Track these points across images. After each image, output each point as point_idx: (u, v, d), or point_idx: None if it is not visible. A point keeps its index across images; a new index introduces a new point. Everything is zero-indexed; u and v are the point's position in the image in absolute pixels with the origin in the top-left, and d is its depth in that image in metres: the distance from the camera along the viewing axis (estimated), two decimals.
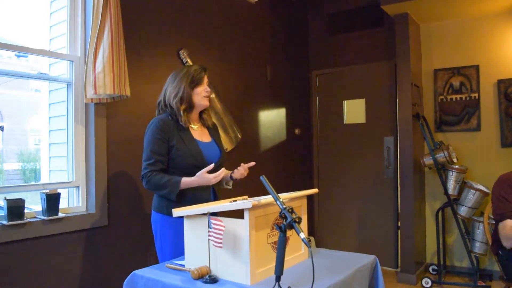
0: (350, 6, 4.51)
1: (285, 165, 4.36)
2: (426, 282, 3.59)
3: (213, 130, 2.25)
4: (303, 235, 1.31)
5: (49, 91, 2.65)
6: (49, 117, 2.66)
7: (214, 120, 2.39)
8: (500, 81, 3.79)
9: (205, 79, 2.12)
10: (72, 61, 2.55)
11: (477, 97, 3.90)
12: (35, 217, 2.30)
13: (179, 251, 1.96)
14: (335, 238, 4.65)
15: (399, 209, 3.95)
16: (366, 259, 1.75)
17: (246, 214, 1.45)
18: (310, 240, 1.59)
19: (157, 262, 2.05)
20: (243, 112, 3.79)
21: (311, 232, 4.74)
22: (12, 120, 2.71)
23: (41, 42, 2.64)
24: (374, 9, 4.17)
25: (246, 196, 1.98)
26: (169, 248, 2.03)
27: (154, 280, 1.55)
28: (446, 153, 3.64)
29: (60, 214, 2.34)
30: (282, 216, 1.37)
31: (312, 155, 4.81)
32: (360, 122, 4.49)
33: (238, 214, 1.47)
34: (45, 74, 2.64)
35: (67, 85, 2.56)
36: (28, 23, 2.65)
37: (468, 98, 3.95)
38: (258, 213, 1.50)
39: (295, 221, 1.33)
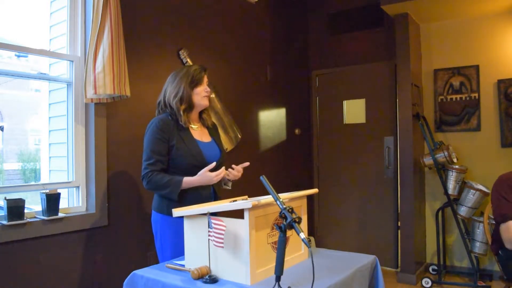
0: (350, 6, 4.50)
1: (285, 165, 4.36)
2: (426, 282, 3.59)
3: (213, 130, 2.25)
4: (303, 235, 1.31)
5: (49, 91, 2.65)
6: (49, 117, 2.66)
7: (214, 120, 2.40)
8: (500, 81, 3.79)
9: (205, 79, 2.12)
10: (72, 61, 2.55)
11: (477, 97, 3.90)
12: (35, 217, 2.30)
13: (179, 251, 1.96)
14: (335, 238, 4.65)
15: (399, 209, 3.95)
16: (366, 259, 1.75)
17: (246, 214, 1.45)
18: (310, 240, 1.59)
19: (157, 262, 2.05)
20: (243, 112, 3.79)
21: (311, 232, 4.74)
22: (12, 120, 2.71)
23: (41, 42, 2.64)
24: (374, 9, 4.17)
25: (246, 196, 1.98)
26: (169, 248, 2.03)
27: (154, 280, 1.55)
28: (446, 153, 3.64)
29: (60, 214, 2.34)
30: (282, 216, 1.37)
31: (312, 155, 4.81)
32: (360, 122, 4.49)
33: (238, 214, 1.47)
34: (45, 74, 2.64)
35: (67, 85, 2.56)
36: (28, 23, 2.65)
37: (468, 98, 3.95)
38: (258, 213, 1.50)
39: (295, 221, 1.33)
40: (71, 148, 2.55)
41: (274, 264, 1.35)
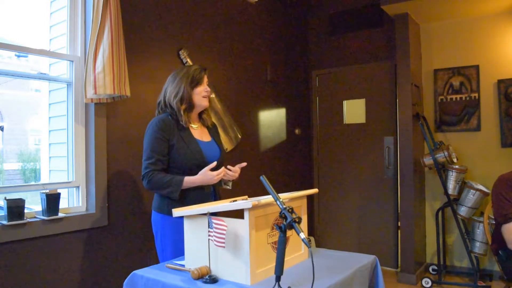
0: (350, 6, 4.51)
1: (285, 165, 4.36)
2: (426, 282, 3.59)
3: (212, 130, 2.26)
4: (303, 235, 1.31)
5: (49, 91, 2.65)
6: (49, 117, 2.66)
7: (214, 120, 2.40)
8: (500, 81, 3.79)
9: (205, 79, 2.13)
10: (72, 61, 2.55)
11: (477, 97, 3.90)
12: (35, 217, 2.30)
13: (179, 251, 1.97)
14: (335, 238, 4.65)
15: (399, 209, 3.95)
16: (366, 259, 1.75)
17: (246, 214, 1.45)
18: (310, 240, 1.59)
19: (157, 262, 2.05)
20: (243, 112, 3.79)
21: (311, 232, 4.74)
22: (12, 120, 2.71)
23: (41, 42, 2.64)
24: (374, 9, 4.18)
25: (246, 196, 1.98)
26: (169, 248, 2.03)
27: (154, 280, 1.55)
28: (446, 153, 3.64)
29: (60, 214, 2.34)
30: (282, 216, 1.37)
31: (312, 155, 4.81)
32: (360, 122, 4.49)
33: (238, 214, 1.47)
34: (45, 74, 2.64)
35: (67, 85, 2.56)
36: (28, 23, 2.65)
37: (468, 98, 3.95)
38: (258, 213, 1.50)
39: (295, 221, 1.33)
40: (71, 148, 2.55)
41: (274, 264, 1.35)
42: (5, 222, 2.11)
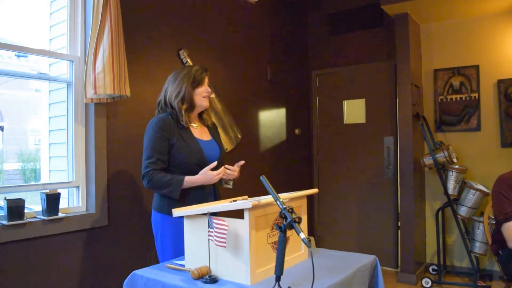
0: (350, 6, 4.51)
1: (285, 165, 4.36)
2: (426, 282, 3.59)
3: (212, 129, 2.26)
4: (303, 235, 1.31)
5: (49, 91, 2.65)
6: (49, 117, 2.66)
7: (214, 120, 2.40)
8: (500, 81, 3.79)
9: (206, 80, 2.14)
10: (72, 61, 2.55)
11: (477, 97, 3.90)
12: (35, 217, 2.30)
13: (179, 251, 1.97)
14: (335, 238, 4.65)
15: (399, 209, 3.95)
16: (366, 259, 1.75)
17: (246, 214, 1.45)
18: (310, 240, 1.59)
19: (157, 262, 2.05)
20: (243, 112, 3.79)
21: (311, 232, 4.74)
22: (12, 120, 2.71)
23: (41, 42, 2.64)
24: (374, 9, 4.17)
25: (246, 196, 1.98)
26: (169, 248, 2.03)
27: (154, 280, 1.55)
28: (446, 153, 3.64)
29: (60, 214, 2.34)
30: (282, 216, 1.37)
31: (312, 155, 4.81)
32: (360, 122, 4.49)
33: (238, 214, 1.47)
34: (45, 74, 2.64)
35: (67, 85, 2.56)
36: (28, 23, 2.64)
37: (468, 98, 3.95)
38: (258, 213, 1.50)
39: (295, 221, 1.33)
40: (71, 148, 2.55)
41: (274, 264, 1.35)
42: (5, 222, 2.11)
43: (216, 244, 1.47)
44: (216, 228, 1.47)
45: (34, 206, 2.40)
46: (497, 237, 2.43)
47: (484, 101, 3.87)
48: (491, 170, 3.71)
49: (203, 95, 2.11)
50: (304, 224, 1.78)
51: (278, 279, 1.32)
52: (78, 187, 2.55)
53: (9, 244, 2.13)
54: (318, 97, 4.79)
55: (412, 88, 3.82)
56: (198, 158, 2.04)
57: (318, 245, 4.69)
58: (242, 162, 2.12)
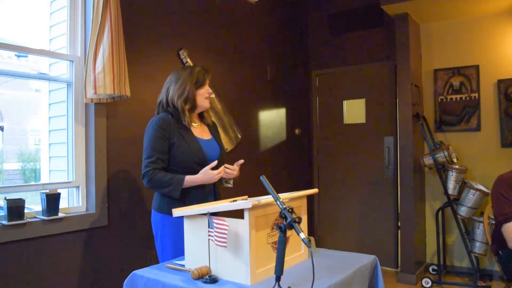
0: (350, 6, 4.50)
1: (285, 165, 4.36)
2: (426, 282, 3.59)
3: (212, 128, 2.26)
4: (303, 235, 1.31)
5: (49, 91, 2.65)
6: (49, 117, 2.66)
7: (214, 120, 2.41)
8: (500, 81, 3.79)
9: (207, 81, 2.15)
10: (72, 61, 2.55)
11: (477, 97, 3.90)
12: (35, 217, 2.30)
13: (179, 251, 1.97)
14: (335, 238, 4.65)
15: (399, 209, 3.95)
16: (366, 259, 1.75)
17: (246, 214, 1.45)
18: (310, 240, 1.59)
19: (157, 262, 2.05)
20: (243, 112, 3.79)
21: (311, 232, 4.74)
22: (12, 120, 2.71)
23: (41, 42, 2.64)
24: (374, 9, 4.17)
25: (246, 196, 1.98)
26: (169, 248, 2.03)
27: (154, 280, 1.55)
28: (446, 153, 3.64)
29: (60, 214, 2.34)
30: (282, 216, 1.37)
31: (312, 155, 4.81)
32: (360, 122, 4.49)
33: (238, 214, 1.47)
34: (45, 74, 2.64)
35: (67, 85, 2.56)
36: (28, 23, 2.64)
37: (468, 98, 3.95)
38: (258, 213, 1.50)
39: (295, 221, 1.33)
40: (71, 148, 2.55)
41: (274, 264, 1.35)
42: (5, 222, 2.11)
43: (216, 244, 1.47)
44: (217, 228, 1.47)
45: (34, 206, 2.40)
46: (497, 237, 2.43)
47: (484, 101, 3.87)
48: (491, 170, 3.71)
49: (204, 96, 2.12)
50: (304, 224, 1.78)
51: (278, 279, 1.32)
52: (78, 187, 2.55)
53: (9, 244, 2.13)
54: (318, 97, 4.79)
55: (412, 88, 3.82)
56: (199, 157, 2.05)
57: (318, 245, 4.69)
58: (242, 161, 2.12)
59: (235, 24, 3.71)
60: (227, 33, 3.62)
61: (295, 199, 1.74)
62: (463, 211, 3.62)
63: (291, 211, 1.36)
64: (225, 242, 1.46)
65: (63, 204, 2.48)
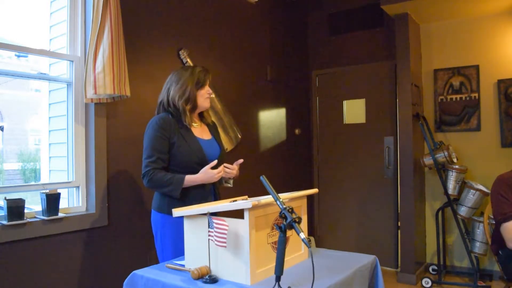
0: (350, 6, 4.51)
1: (285, 165, 4.36)
2: (426, 282, 3.59)
3: (212, 128, 2.27)
4: (303, 235, 1.31)
5: (49, 91, 2.65)
6: (49, 117, 2.66)
7: (214, 120, 2.41)
8: (500, 81, 3.79)
9: (208, 81, 2.15)
10: (72, 61, 2.55)
11: (477, 97, 3.90)
12: (35, 217, 2.30)
13: (179, 251, 1.97)
14: (335, 238, 4.65)
15: (399, 209, 3.95)
16: (366, 259, 1.75)
17: (246, 214, 1.45)
18: (310, 240, 1.59)
19: (157, 262, 2.05)
20: (243, 112, 3.79)
21: (311, 232, 4.74)
22: (12, 120, 2.71)
23: (41, 42, 2.64)
24: (374, 9, 4.17)
25: (246, 196, 1.98)
26: (169, 248, 2.03)
27: (154, 280, 1.55)
28: (446, 153, 3.64)
29: (60, 214, 2.34)
30: (282, 216, 1.37)
31: (312, 155, 4.81)
32: (360, 122, 4.49)
33: (238, 214, 1.47)
34: (45, 74, 2.64)
35: (67, 85, 2.56)
36: (28, 23, 2.64)
37: (468, 98, 3.95)
38: (258, 213, 1.50)
39: (295, 221, 1.33)
40: (71, 148, 2.55)
41: (274, 264, 1.35)
42: (5, 222, 2.11)
43: (216, 244, 1.47)
44: (216, 228, 1.48)
45: (34, 206, 2.40)
46: (497, 237, 2.43)
47: (484, 101, 3.87)
48: (491, 170, 3.71)
49: (205, 96, 2.13)
50: (304, 224, 1.78)
51: (278, 279, 1.32)
52: (78, 187, 2.55)
53: (9, 244, 2.13)
54: (318, 97, 4.79)
55: (412, 88, 3.82)
56: (199, 157, 2.05)
57: (318, 245, 4.69)
58: (241, 160, 2.13)
59: (235, 24, 3.71)
60: (227, 33, 3.62)
61: (295, 199, 1.74)
62: (463, 211, 3.63)
63: (291, 211, 1.36)
64: (225, 242, 1.46)
65: (63, 204, 2.48)
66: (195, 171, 2.01)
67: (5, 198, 2.13)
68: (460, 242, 3.84)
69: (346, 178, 4.56)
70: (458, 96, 4.00)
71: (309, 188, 4.47)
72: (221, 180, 2.21)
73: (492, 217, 2.84)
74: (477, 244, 3.60)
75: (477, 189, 3.56)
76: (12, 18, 2.51)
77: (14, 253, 2.16)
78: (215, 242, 1.47)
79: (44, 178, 2.67)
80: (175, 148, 2.02)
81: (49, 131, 2.66)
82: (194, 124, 2.15)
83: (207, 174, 1.97)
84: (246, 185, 2.82)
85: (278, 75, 4.26)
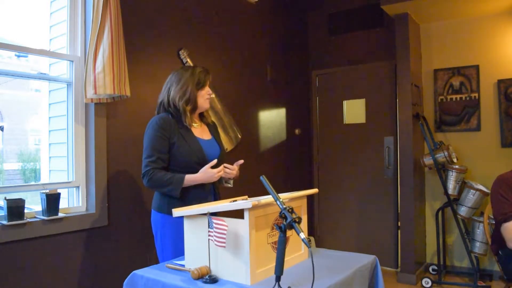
0: (350, 6, 4.51)
1: (285, 165, 4.36)
2: (426, 282, 3.59)
3: (212, 128, 2.27)
4: (303, 235, 1.31)
5: (49, 91, 2.65)
6: (49, 117, 2.66)
7: (214, 120, 2.41)
8: (500, 81, 3.79)
9: (208, 82, 2.15)
10: (72, 61, 2.55)
11: (477, 97, 3.90)
12: (35, 217, 2.30)
13: (179, 251, 1.97)
14: (335, 238, 4.65)
15: (399, 209, 3.95)
16: (366, 259, 1.75)
17: (246, 214, 1.45)
18: (310, 240, 1.59)
19: (157, 262, 2.05)
20: (243, 112, 3.79)
21: (311, 232, 4.74)
22: (12, 120, 2.71)
23: (41, 42, 2.64)
24: (374, 9, 4.17)
25: (246, 196, 1.98)
26: (169, 248, 2.03)
27: (154, 280, 1.55)
28: (446, 153, 3.64)
29: (60, 214, 2.34)
30: (282, 216, 1.37)
31: (312, 155, 4.81)
32: (360, 122, 4.49)
33: (238, 214, 1.47)
34: (45, 74, 2.64)
35: (67, 85, 2.56)
36: (28, 23, 2.64)
37: (468, 98, 3.95)
38: (258, 213, 1.50)
39: (295, 221, 1.33)
40: (71, 148, 2.55)
41: (274, 264, 1.35)
42: (5, 222, 2.11)
43: (215, 245, 1.47)
44: (216, 228, 1.48)
45: (34, 206, 2.40)
46: (497, 237, 2.43)
47: (484, 101, 3.87)
48: (491, 170, 3.71)
49: (205, 97, 2.13)
50: (304, 224, 1.78)
51: (278, 279, 1.32)
52: (78, 187, 2.55)
53: (9, 244, 2.13)
54: (318, 97, 4.79)
55: (412, 88, 3.82)
56: (199, 157, 2.05)
57: (318, 245, 4.69)
58: (241, 161, 2.13)
59: (235, 24, 3.71)
60: (227, 33, 3.62)
61: (295, 199, 1.74)
62: (463, 211, 3.63)
63: (291, 211, 1.36)
64: (224, 243, 1.46)
65: (63, 204, 2.48)
66: (195, 171, 2.01)
67: (5, 198, 2.13)
68: (460, 242, 3.84)
69: (346, 178, 4.56)
70: (458, 96, 4.00)
71: (309, 188, 4.47)
72: (221, 180, 2.21)
73: (492, 217, 2.84)
74: (477, 244, 3.60)
75: (477, 189, 3.56)
76: (12, 18, 2.51)
77: (14, 253, 2.16)
78: (215, 242, 1.47)
79: (44, 178, 2.67)
80: (175, 148, 2.02)
81: (49, 131, 2.66)
82: (194, 124, 2.15)
83: (207, 173, 1.98)
84: (246, 185, 2.82)
85: (278, 75, 4.26)
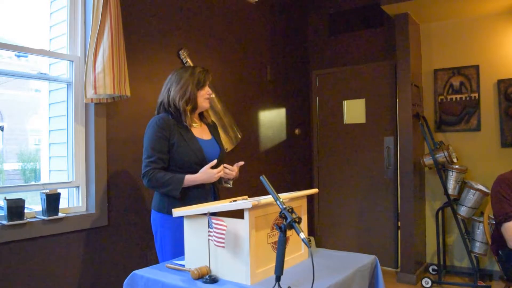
0: (350, 6, 4.51)
1: (285, 165, 4.36)
2: (426, 282, 3.59)
3: (212, 128, 2.27)
4: (303, 235, 1.31)
5: (49, 91, 2.65)
6: (49, 117, 2.66)
7: (214, 120, 2.41)
8: (500, 81, 3.79)
9: (208, 82, 2.15)
10: (72, 61, 2.55)
11: (477, 97, 3.90)
12: (35, 217, 2.30)
13: (179, 251, 1.97)
14: (335, 238, 4.65)
15: (399, 209, 3.95)
16: (366, 259, 1.75)
17: (246, 214, 1.45)
18: (310, 240, 1.59)
19: (157, 262, 2.06)
20: (243, 112, 3.79)
21: (311, 232, 4.74)
22: (12, 120, 2.71)
23: (41, 42, 2.64)
24: (374, 9, 4.18)
25: (246, 196, 1.98)
26: (169, 248, 2.03)
27: (154, 280, 1.55)
28: (446, 153, 3.64)
29: (60, 214, 2.34)
30: (282, 216, 1.37)
31: (312, 155, 4.81)
32: (360, 122, 4.49)
33: (238, 214, 1.47)
34: (45, 74, 2.64)
35: (67, 85, 2.56)
36: (28, 23, 2.64)
37: (468, 98, 3.95)
38: (258, 213, 1.50)
39: (295, 221, 1.33)
40: (71, 148, 2.55)
41: (274, 264, 1.35)
42: (5, 222, 2.11)
43: (215, 245, 1.47)
44: (215, 228, 1.48)
45: (34, 206, 2.40)
46: (497, 237, 2.43)
47: (484, 101, 3.87)
48: (491, 170, 3.71)
49: (205, 97, 2.13)
50: (304, 224, 1.78)
51: (278, 279, 1.32)
52: (78, 187, 2.55)
53: (9, 244, 2.13)
54: (318, 97, 4.79)
55: (412, 88, 3.82)
56: (199, 157, 2.05)
57: (318, 245, 4.69)
58: (242, 163, 2.12)
59: (235, 24, 3.71)
60: (227, 33, 3.62)
61: (295, 199, 1.74)
62: (463, 211, 3.63)
63: (291, 211, 1.36)
64: (223, 243, 1.46)
65: (63, 204, 2.48)
66: (195, 171, 2.01)
67: (5, 198, 2.13)
68: (460, 242, 3.84)
69: (346, 178, 4.56)
70: (458, 96, 4.00)
71: (309, 188, 4.48)
72: (221, 180, 2.21)
73: (492, 217, 2.84)
74: (477, 244, 3.60)
75: (477, 189, 3.56)
76: (12, 18, 2.51)
77: (14, 253, 2.16)
78: (214, 242, 1.47)
79: (44, 178, 2.67)
80: (175, 148, 2.02)
81: (49, 131, 2.66)
82: (194, 124, 2.15)
83: (206, 173, 1.98)
84: (246, 185, 2.83)
85: (278, 75, 4.26)
